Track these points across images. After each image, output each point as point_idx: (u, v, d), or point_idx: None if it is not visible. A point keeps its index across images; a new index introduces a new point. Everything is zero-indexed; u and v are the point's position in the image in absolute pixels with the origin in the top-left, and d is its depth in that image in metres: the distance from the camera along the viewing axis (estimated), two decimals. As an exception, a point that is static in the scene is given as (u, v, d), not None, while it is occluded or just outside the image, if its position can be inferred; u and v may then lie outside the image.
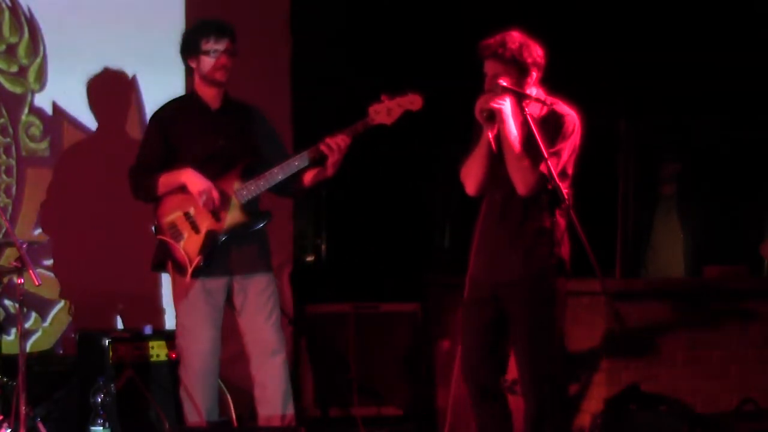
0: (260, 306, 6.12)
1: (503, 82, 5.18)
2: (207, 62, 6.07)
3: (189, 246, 5.96)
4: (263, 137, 6.24)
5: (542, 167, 5.16)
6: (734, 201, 8.56)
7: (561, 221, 5.28)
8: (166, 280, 7.17)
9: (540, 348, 5.28)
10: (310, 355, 7.60)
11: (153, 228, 6.11)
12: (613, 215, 7.61)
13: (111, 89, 7.68)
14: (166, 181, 6.00)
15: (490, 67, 5.31)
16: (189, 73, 6.40)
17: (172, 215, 6.02)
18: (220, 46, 6.06)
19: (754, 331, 7.37)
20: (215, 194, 5.91)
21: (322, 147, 5.90)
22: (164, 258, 6.06)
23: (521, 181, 5.22)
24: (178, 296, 6.08)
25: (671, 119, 8.46)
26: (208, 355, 6.10)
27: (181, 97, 6.37)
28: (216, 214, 5.96)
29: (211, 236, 5.94)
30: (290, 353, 7.80)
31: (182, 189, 5.98)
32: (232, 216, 5.99)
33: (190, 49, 6.15)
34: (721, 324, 7.34)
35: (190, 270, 5.94)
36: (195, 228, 5.97)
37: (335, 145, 5.88)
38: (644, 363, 6.91)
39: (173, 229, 6.00)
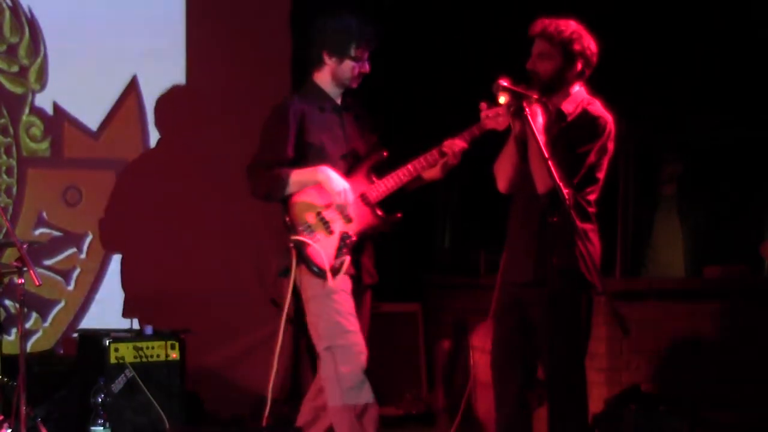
0: (365, 316, 5.89)
1: (503, 82, 5.10)
2: (351, 68, 5.82)
3: (325, 247, 5.68)
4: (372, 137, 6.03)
5: (551, 167, 5.09)
6: (734, 201, 8.57)
7: (586, 224, 5.25)
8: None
9: (558, 353, 5.24)
10: (310, 356, 7.60)
11: (286, 227, 5.76)
12: (614, 215, 7.62)
13: (112, 89, 7.75)
14: (300, 178, 5.71)
15: (537, 46, 5.29)
16: (314, 64, 5.97)
17: (307, 214, 5.72)
18: (366, 55, 5.85)
19: (755, 331, 7.38)
20: (351, 196, 5.69)
21: (446, 150, 5.73)
22: (296, 260, 5.72)
23: (540, 178, 5.16)
24: (316, 297, 5.74)
25: (671, 119, 8.46)
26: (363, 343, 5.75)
27: (306, 91, 5.97)
28: (346, 215, 5.73)
29: (344, 238, 5.70)
30: (290, 353, 7.89)
31: (312, 188, 5.74)
32: (363, 218, 5.77)
33: (335, 47, 5.84)
34: (721, 324, 7.34)
35: (330, 272, 5.65)
36: (327, 229, 5.71)
37: (456, 150, 5.73)
38: (644, 363, 6.94)
39: (309, 229, 5.71)
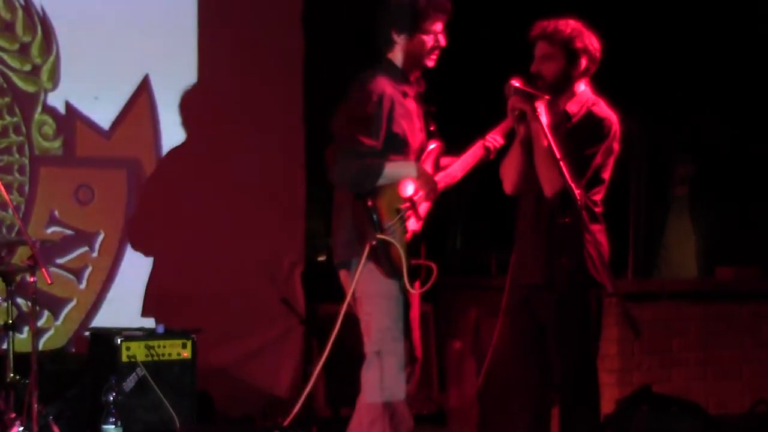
0: (416, 312, 5.70)
1: (515, 83, 5.13)
2: (423, 43, 5.47)
3: (402, 247, 5.39)
4: None
5: (563, 168, 5.07)
6: (746, 202, 8.56)
7: (594, 225, 5.23)
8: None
9: (569, 355, 5.27)
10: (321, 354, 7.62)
11: (370, 222, 5.37)
12: (626, 216, 7.61)
13: (124, 88, 7.76)
14: (392, 171, 5.39)
15: (539, 48, 5.27)
16: (384, 44, 5.59)
17: (391, 212, 5.39)
18: (440, 27, 5.48)
19: (766, 331, 7.38)
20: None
21: (489, 145, 5.54)
22: (367, 257, 5.41)
23: (547, 181, 5.17)
24: (377, 296, 5.48)
25: (683, 120, 8.44)
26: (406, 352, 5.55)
27: (385, 69, 5.56)
28: (417, 213, 5.48)
29: (414, 237, 5.44)
30: (301, 353, 8.05)
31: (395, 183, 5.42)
32: (425, 215, 5.52)
33: (403, 23, 5.48)
34: (733, 325, 7.38)
35: (407, 275, 5.40)
36: (404, 228, 5.40)
37: (498, 146, 5.56)
38: (656, 364, 6.96)
39: (391, 228, 5.38)
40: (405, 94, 5.52)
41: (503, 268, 5.68)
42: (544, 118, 5.13)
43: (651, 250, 8.30)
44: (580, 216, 5.07)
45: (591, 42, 5.28)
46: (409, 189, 5.40)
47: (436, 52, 5.51)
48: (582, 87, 5.33)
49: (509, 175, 5.38)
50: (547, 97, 5.19)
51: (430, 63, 5.53)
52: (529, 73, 5.25)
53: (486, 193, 5.86)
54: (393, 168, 5.37)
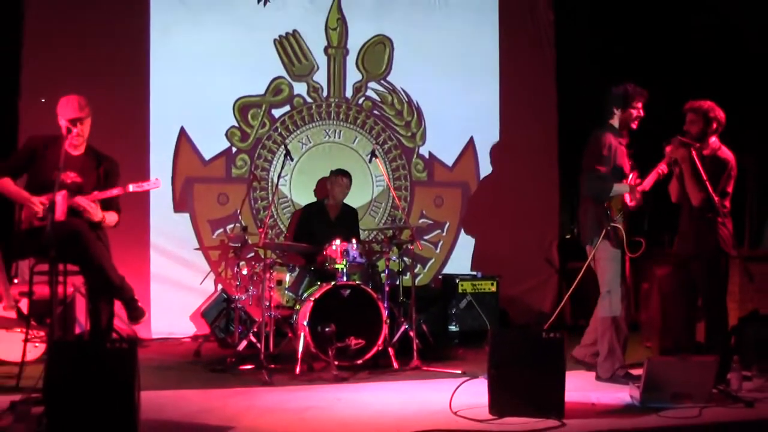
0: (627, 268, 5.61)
1: (680, 137, 5.29)
2: (632, 115, 5.43)
3: (624, 231, 5.32)
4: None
5: (707, 185, 5.19)
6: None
7: (725, 218, 5.29)
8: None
9: (710, 292, 5.29)
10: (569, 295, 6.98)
11: (605, 215, 5.33)
12: (744, 212, 7.23)
13: (459, 142, 7.90)
14: (617, 189, 5.32)
15: (688, 116, 5.36)
16: (607, 114, 5.48)
17: (617, 211, 5.33)
18: (641, 105, 5.48)
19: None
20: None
21: (661, 173, 5.40)
22: (603, 237, 5.33)
23: (693, 197, 5.32)
24: (609, 259, 5.38)
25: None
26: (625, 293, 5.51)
27: (610, 129, 5.46)
28: (631, 213, 5.44)
29: (630, 224, 5.38)
30: (557, 289, 7.99)
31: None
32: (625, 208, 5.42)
33: (621, 102, 5.44)
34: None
35: (627, 248, 5.30)
36: (624, 219, 5.35)
37: (666, 172, 5.44)
38: (763, 296, 6.43)
39: (617, 219, 5.32)
40: (620, 143, 5.48)
41: (672, 242, 5.66)
42: (695, 156, 5.30)
43: (760, 231, 7.57)
44: (717, 213, 5.28)
45: (719, 113, 5.37)
46: (627, 198, 5.42)
47: (638, 120, 5.53)
48: (713, 139, 5.41)
49: (673, 193, 5.57)
50: (697, 144, 5.34)
51: (635, 126, 5.53)
52: (682, 131, 5.39)
53: (662, 198, 5.65)
54: (618, 187, 5.39)
